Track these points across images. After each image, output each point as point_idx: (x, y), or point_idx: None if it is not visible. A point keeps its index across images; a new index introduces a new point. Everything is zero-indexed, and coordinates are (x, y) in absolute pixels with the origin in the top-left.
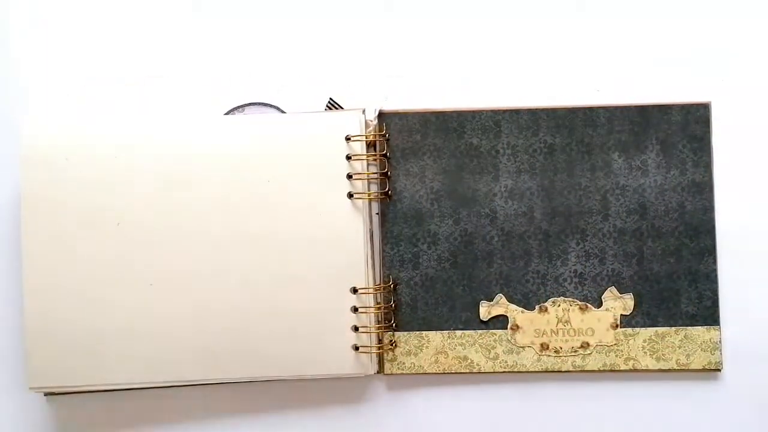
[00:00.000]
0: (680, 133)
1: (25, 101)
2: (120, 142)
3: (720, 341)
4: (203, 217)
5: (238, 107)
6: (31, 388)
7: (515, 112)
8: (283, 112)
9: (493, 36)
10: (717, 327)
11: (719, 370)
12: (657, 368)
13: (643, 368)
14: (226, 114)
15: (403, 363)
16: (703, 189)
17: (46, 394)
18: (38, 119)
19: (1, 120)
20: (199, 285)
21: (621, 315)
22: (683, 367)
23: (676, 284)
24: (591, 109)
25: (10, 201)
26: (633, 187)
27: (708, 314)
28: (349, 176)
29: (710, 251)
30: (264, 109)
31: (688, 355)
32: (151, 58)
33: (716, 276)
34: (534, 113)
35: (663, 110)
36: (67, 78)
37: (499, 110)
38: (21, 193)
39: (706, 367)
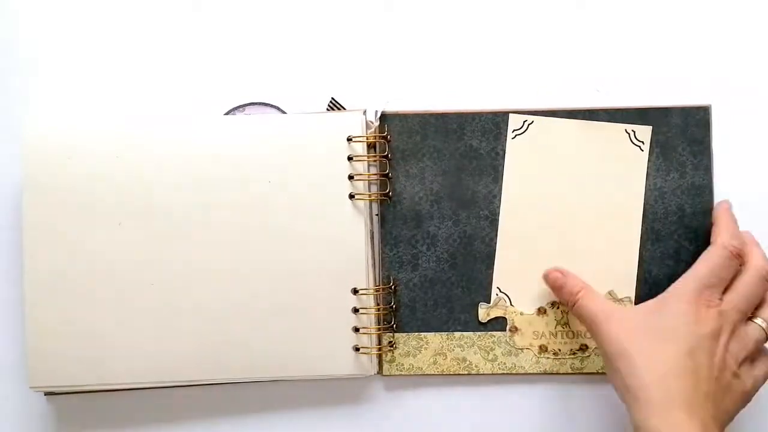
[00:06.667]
0: (680, 135)
1: (26, 101)
2: (121, 142)
3: None
4: (204, 217)
5: (239, 107)
6: (31, 388)
7: (515, 114)
8: (283, 112)
9: (493, 37)
10: None
11: None
12: None
13: None
14: (226, 114)
15: (402, 364)
16: (703, 192)
17: (46, 394)
18: (40, 119)
19: (2, 120)
20: (199, 285)
21: None
22: None
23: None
24: (590, 111)
25: (11, 200)
26: None
27: None
28: (351, 177)
29: None
30: (265, 109)
31: None
32: (151, 58)
33: None
34: (534, 115)
35: (663, 112)
36: (69, 77)
37: (499, 112)
38: (22, 192)
39: None
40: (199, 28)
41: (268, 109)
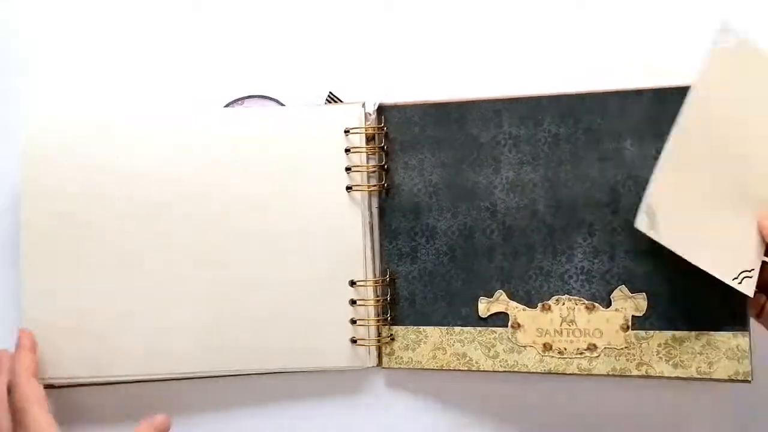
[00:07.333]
0: None
1: (24, 99)
2: (120, 134)
3: (750, 348)
4: (202, 209)
5: (238, 99)
6: None
7: (516, 101)
8: (282, 104)
9: (494, 21)
10: (746, 332)
11: (749, 381)
12: (674, 376)
13: (658, 375)
14: (225, 106)
15: (401, 357)
16: None
17: (46, 387)
18: (38, 117)
19: (1, 118)
20: (197, 278)
21: (633, 316)
22: (705, 376)
23: (697, 284)
24: (599, 95)
25: (10, 196)
26: (647, 177)
27: (735, 318)
28: (348, 169)
29: None
30: (264, 101)
31: (710, 363)
32: (151, 51)
33: None
34: (537, 101)
35: (684, 92)
36: (67, 68)
37: (500, 100)
38: (21, 187)
39: (733, 377)
40: (199, 22)
41: (268, 101)
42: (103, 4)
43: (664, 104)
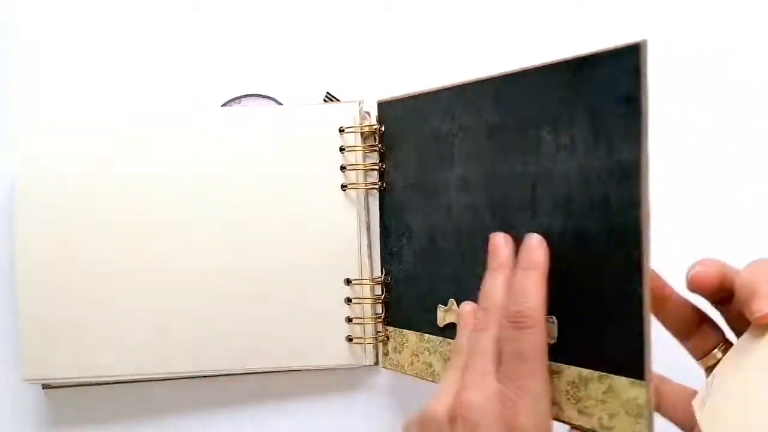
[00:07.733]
0: (610, 93)
1: (21, 99)
2: (119, 134)
3: (648, 403)
4: (197, 208)
5: (236, 98)
6: (25, 380)
7: (463, 88)
8: (280, 103)
9: (495, 18)
10: (642, 382)
11: None
12: (578, 424)
13: (566, 420)
14: (223, 105)
15: (392, 359)
16: (629, 174)
17: (44, 387)
18: (34, 117)
19: (1, 118)
20: (193, 277)
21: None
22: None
23: (599, 312)
24: (521, 74)
25: (5, 197)
26: (560, 173)
27: (633, 361)
28: (343, 168)
29: (635, 267)
30: (261, 100)
31: (611, 416)
32: (149, 50)
33: (642, 304)
34: (478, 87)
35: (592, 63)
36: (67, 74)
37: (452, 87)
38: (16, 188)
39: None
40: (197, 21)
41: (265, 100)
42: (103, 4)
43: (576, 80)
